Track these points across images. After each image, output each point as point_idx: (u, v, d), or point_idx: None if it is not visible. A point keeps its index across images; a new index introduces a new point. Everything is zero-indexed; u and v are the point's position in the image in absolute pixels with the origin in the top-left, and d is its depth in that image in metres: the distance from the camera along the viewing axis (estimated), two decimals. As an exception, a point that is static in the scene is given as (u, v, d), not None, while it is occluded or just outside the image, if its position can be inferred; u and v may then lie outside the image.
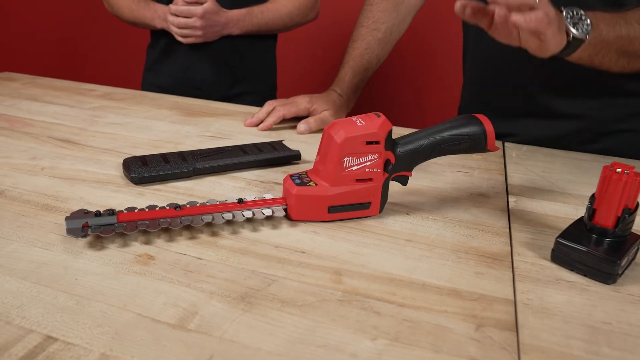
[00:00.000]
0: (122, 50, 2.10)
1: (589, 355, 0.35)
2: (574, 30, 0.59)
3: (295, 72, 1.80)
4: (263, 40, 1.19)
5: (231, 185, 0.60)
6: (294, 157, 0.67)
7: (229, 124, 0.84)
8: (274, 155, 0.66)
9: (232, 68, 1.16)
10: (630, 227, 0.45)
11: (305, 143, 0.76)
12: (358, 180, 0.51)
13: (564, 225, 0.53)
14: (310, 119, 0.81)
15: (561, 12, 0.59)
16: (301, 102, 0.82)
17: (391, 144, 0.52)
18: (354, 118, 0.51)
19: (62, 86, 1.03)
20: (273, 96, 1.26)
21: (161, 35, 1.15)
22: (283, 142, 0.71)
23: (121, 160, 0.64)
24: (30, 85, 1.02)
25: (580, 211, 0.58)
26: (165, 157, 0.62)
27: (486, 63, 0.86)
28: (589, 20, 0.59)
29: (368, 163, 0.51)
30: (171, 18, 1.03)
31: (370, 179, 0.51)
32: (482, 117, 0.54)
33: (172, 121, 0.84)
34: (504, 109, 0.84)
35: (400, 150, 0.52)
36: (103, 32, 2.10)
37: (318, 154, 0.53)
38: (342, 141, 0.49)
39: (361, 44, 0.87)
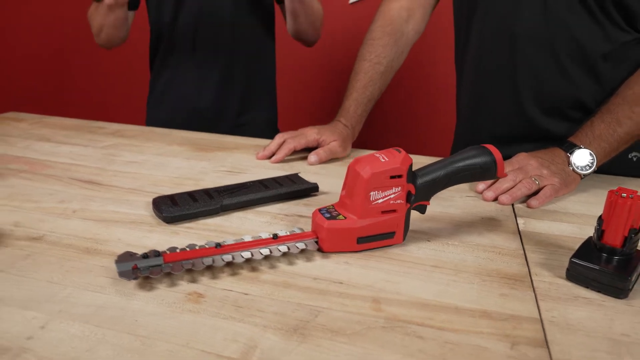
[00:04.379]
0: (108, 83, 2.13)
1: (615, 366, 0.39)
2: (582, 172, 0.73)
3: (294, 101, 1.85)
4: (262, 65, 1.23)
5: (258, 220, 0.63)
6: (312, 189, 0.71)
7: (241, 158, 0.87)
8: (294, 189, 0.69)
9: (234, 95, 1.20)
10: (637, 245, 0.50)
11: (317, 174, 0.80)
12: (383, 212, 0.55)
13: (572, 244, 0.57)
14: (320, 150, 0.85)
15: (564, 154, 0.75)
16: (310, 134, 0.86)
17: (411, 176, 0.56)
18: (377, 154, 0.55)
19: (71, 125, 1.05)
20: (275, 125, 1.30)
21: (163, 69, 1.18)
22: (299, 174, 0.75)
23: (147, 200, 0.67)
24: (39, 125, 1.04)
25: (583, 230, 0.63)
26: (192, 195, 0.65)
27: (482, 88, 0.92)
28: (593, 158, 0.73)
29: (392, 195, 0.54)
30: None
31: (394, 210, 0.55)
32: (491, 147, 0.59)
33: (186, 157, 0.87)
34: (501, 134, 0.89)
35: (420, 181, 0.56)
36: (94, 66, 2.13)
37: (344, 189, 0.56)
38: (369, 177, 0.53)
39: (364, 77, 0.92)
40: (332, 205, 0.57)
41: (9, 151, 0.87)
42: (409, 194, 0.56)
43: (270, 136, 1.27)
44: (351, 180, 0.55)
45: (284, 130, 1.32)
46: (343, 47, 1.85)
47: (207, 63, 1.16)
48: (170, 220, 0.61)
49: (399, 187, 0.54)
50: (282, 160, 0.85)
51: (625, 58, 0.79)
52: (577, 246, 0.53)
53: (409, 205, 0.56)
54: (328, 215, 0.55)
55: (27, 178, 0.75)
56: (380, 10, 0.95)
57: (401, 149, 0.56)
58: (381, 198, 0.54)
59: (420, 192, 0.57)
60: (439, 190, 0.58)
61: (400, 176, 0.54)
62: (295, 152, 0.87)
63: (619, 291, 0.47)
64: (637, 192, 0.48)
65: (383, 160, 0.54)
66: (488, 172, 0.59)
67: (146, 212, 0.64)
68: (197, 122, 1.15)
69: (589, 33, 0.78)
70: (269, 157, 0.86)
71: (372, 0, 1.78)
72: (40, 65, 2.22)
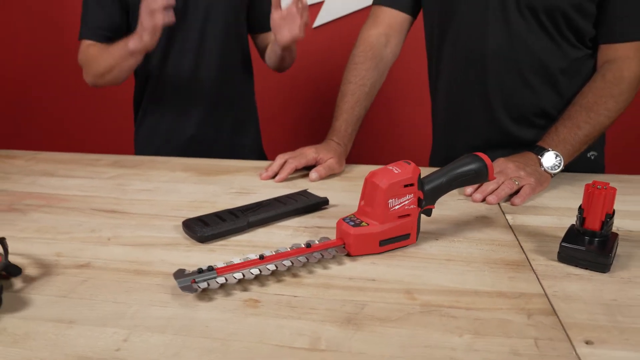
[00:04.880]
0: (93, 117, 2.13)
1: (611, 323, 0.48)
2: (552, 172, 0.85)
3: (275, 123, 1.93)
4: (245, 95, 1.30)
5: (282, 233, 0.70)
6: (323, 203, 0.78)
7: (246, 180, 0.93)
8: (308, 203, 0.76)
9: (222, 127, 1.26)
10: (611, 228, 0.60)
11: (320, 189, 0.87)
12: (400, 217, 0.63)
13: (555, 232, 0.67)
14: (320, 168, 0.92)
15: (535, 157, 0.86)
16: (309, 153, 0.94)
17: (420, 183, 0.64)
18: (390, 167, 0.64)
19: (67, 159, 1.08)
20: (260, 147, 1.37)
21: (150, 110, 1.23)
22: (307, 190, 0.82)
23: (173, 223, 0.72)
24: (35, 161, 1.06)
25: (562, 220, 0.73)
26: (219, 216, 0.71)
27: (456, 103, 1.03)
28: (560, 159, 0.85)
29: (406, 202, 0.63)
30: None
31: (408, 215, 0.63)
32: (482, 155, 0.68)
33: (193, 182, 0.92)
34: (476, 143, 1.00)
35: (427, 187, 0.65)
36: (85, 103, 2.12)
37: (362, 199, 0.64)
38: (387, 187, 0.61)
39: (352, 98, 1.01)
40: (354, 215, 0.65)
41: (18, 188, 0.89)
42: (419, 200, 0.64)
43: (259, 158, 1.34)
44: (370, 191, 0.63)
45: (269, 151, 1.39)
46: (311, 68, 1.95)
47: (194, 101, 1.22)
48: (204, 239, 0.66)
49: (412, 194, 0.63)
50: (286, 179, 0.92)
51: (579, 71, 0.92)
52: (560, 234, 0.63)
53: (419, 209, 0.65)
54: (352, 223, 0.62)
55: (48, 212, 0.78)
56: (360, 37, 1.05)
57: (410, 161, 0.64)
58: (397, 204, 0.62)
59: (428, 196, 0.65)
60: (442, 195, 0.67)
61: (412, 184, 0.62)
62: (296, 170, 0.94)
63: (603, 266, 0.57)
64: (608, 184, 0.59)
65: (396, 171, 0.62)
66: (481, 176, 0.68)
67: (177, 234, 0.69)
68: (188, 153, 1.20)
69: (548, 51, 0.90)
70: (273, 177, 0.92)
71: (335, 24, 1.89)
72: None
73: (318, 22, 1.89)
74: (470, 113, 1.00)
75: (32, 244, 0.66)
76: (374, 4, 1.06)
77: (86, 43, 1.16)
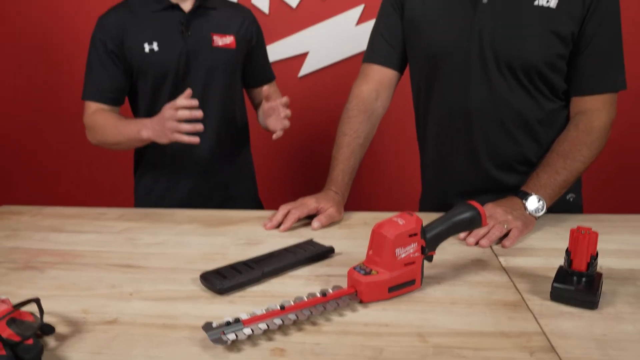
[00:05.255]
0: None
1: (604, 357, 0.54)
2: (536, 215, 0.92)
3: (270, 172, 1.98)
4: (242, 151, 1.37)
5: (296, 283, 0.74)
6: (330, 251, 0.83)
7: (251, 230, 0.98)
8: (315, 252, 0.82)
9: (220, 180, 1.31)
10: (596, 268, 0.67)
11: (323, 238, 0.92)
12: (406, 264, 0.68)
13: (546, 272, 0.74)
14: (321, 217, 0.98)
15: (520, 201, 0.93)
16: (310, 203, 1.00)
17: (422, 232, 0.70)
18: (394, 218, 0.70)
19: (73, 214, 1.11)
20: (257, 196, 1.42)
21: (150, 166, 1.29)
22: (313, 240, 0.87)
23: (190, 276, 0.76)
24: (41, 217, 1.09)
25: (549, 260, 0.80)
26: (235, 268, 0.75)
27: (444, 154, 1.11)
28: (542, 202, 0.92)
29: (411, 250, 0.69)
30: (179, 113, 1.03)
31: (413, 262, 0.69)
32: (475, 204, 0.75)
33: (201, 234, 0.96)
34: (463, 189, 1.08)
35: (428, 235, 0.71)
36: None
37: (370, 249, 0.70)
38: (394, 238, 0.67)
39: (347, 150, 1.08)
40: (363, 264, 0.70)
41: (30, 245, 0.92)
42: (422, 247, 0.70)
43: (255, 207, 1.39)
44: (378, 242, 0.69)
45: (265, 199, 1.44)
46: (296, 115, 2.02)
47: (193, 161, 1.28)
48: (223, 291, 0.70)
49: (416, 243, 0.69)
50: (290, 228, 0.97)
51: (555, 121, 1.02)
52: (550, 274, 0.69)
53: (423, 256, 0.71)
54: (363, 272, 0.68)
55: (65, 269, 0.81)
56: (353, 92, 1.13)
57: (412, 212, 0.70)
58: (404, 253, 0.68)
59: (429, 244, 0.71)
60: (442, 241, 0.73)
61: (416, 234, 0.68)
62: (298, 219, 0.99)
63: (591, 304, 0.64)
64: (590, 228, 0.66)
65: (401, 222, 0.68)
66: (475, 223, 0.75)
67: (195, 286, 0.73)
68: (188, 204, 1.24)
69: (527, 105, 1.00)
70: (277, 227, 0.97)
71: (319, 74, 1.98)
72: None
73: (303, 71, 1.99)
74: (458, 162, 1.07)
75: (57, 302, 0.69)
76: (364, 61, 1.15)
77: (91, 106, 1.21)
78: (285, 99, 1.15)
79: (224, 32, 1.24)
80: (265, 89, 1.15)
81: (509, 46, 0.97)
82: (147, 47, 1.18)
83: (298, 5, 1.92)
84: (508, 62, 0.97)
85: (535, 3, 0.95)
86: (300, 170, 2.08)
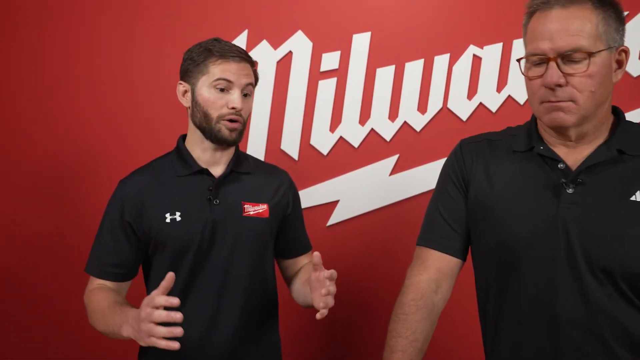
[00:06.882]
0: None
1: None
2: None
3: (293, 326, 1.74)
4: (269, 326, 1.16)
5: None
6: None
7: None
8: None
9: (250, 333, 1.11)
10: None
11: None
12: None
13: None
14: None
15: None
16: None
17: None
18: None
19: None
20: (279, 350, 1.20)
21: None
22: None
23: None
24: None
25: None
26: None
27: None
28: None
29: None
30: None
31: None
32: None
33: None
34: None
35: None
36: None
37: None
38: None
39: (403, 356, 0.87)
40: None
41: None
42: None
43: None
44: None
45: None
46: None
47: (215, 346, 1.07)
48: None
49: None
50: None
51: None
52: None
53: None
54: None
55: None
56: (408, 283, 0.94)
57: None
58: None
59: None
60: None
61: None
62: None
63: None
64: None
65: None
66: None
67: None
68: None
69: (631, 318, 0.80)
70: None
71: (348, 223, 1.83)
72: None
73: (332, 220, 1.84)
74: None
75: None
76: (420, 244, 0.98)
77: (93, 282, 1.06)
78: (332, 273, 0.96)
79: (256, 200, 1.10)
80: (316, 255, 0.96)
81: (604, 250, 0.80)
82: (168, 217, 1.04)
83: (329, 153, 1.84)
84: (604, 268, 0.80)
85: (632, 198, 0.80)
86: (329, 329, 1.83)
